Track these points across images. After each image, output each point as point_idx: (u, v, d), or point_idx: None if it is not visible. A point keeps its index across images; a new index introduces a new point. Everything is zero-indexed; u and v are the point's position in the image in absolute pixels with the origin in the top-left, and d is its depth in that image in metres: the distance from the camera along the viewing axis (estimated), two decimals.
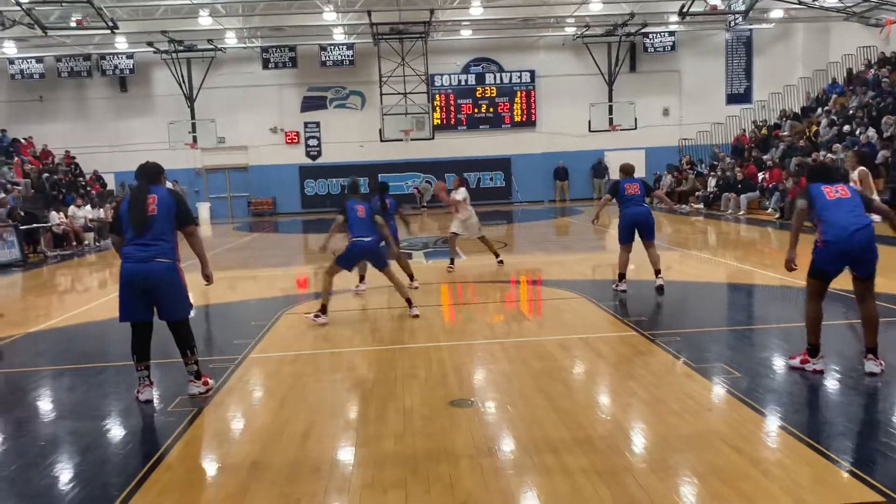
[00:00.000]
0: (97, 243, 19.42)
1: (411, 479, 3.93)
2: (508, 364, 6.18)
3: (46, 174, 23.85)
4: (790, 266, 5.61)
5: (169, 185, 22.73)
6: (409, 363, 6.29)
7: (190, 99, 27.40)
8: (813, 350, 5.54)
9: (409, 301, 8.25)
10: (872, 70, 23.04)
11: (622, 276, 9.18)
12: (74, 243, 18.59)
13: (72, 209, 19.50)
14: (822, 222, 5.41)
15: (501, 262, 11.91)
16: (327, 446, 4.51)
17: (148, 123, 27.55)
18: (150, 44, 25.51)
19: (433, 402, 5.17)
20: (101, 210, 21.07)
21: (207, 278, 5.76)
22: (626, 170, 9.51)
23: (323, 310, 7.98)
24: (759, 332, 7.25)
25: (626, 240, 9.16)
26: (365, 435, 4.65)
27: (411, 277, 10.16)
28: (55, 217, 18.65)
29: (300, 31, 25.75)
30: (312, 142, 28.87)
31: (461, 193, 11.71)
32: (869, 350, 5.44)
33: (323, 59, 27.40)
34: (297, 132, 28.80)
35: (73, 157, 27.06)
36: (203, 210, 27.15)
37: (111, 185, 27.28)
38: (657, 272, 8.97)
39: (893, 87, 20.70)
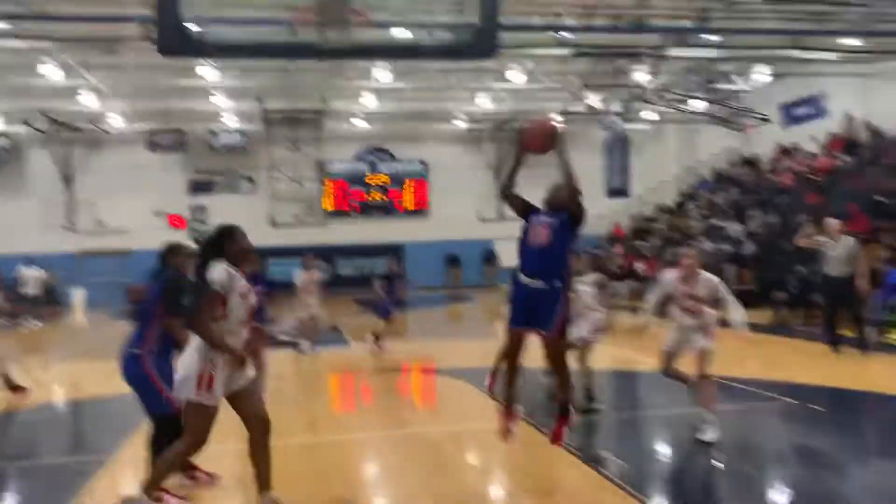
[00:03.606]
0: None
1: None
2: (396, 459, 5.99)
3: None
4: None
5: (34, 270, 20.89)
6: (286, 462, 5.95)
7: (68, 180, 26.24)
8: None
9: None
10: (736, 169, 25.05)
11: None
12: None
13: None
14: None
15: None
16: None
17: (20, 205, 25.98)
18: (26, 122, 24.43)
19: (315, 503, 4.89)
20: None
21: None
22: None
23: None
24: (642, 419, 7.39)
25: None
26: None
27: None
28: None
29: (190, 115, 25.43)
30: (198, 226, 28.09)
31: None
32: None
33: (213, 143, 27.04)
34: (183, 216, 27.99)
35: None
36: (78, 297, 25.62)
37: None
38: None
39: (755, 186, 22.49)
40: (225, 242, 4.49)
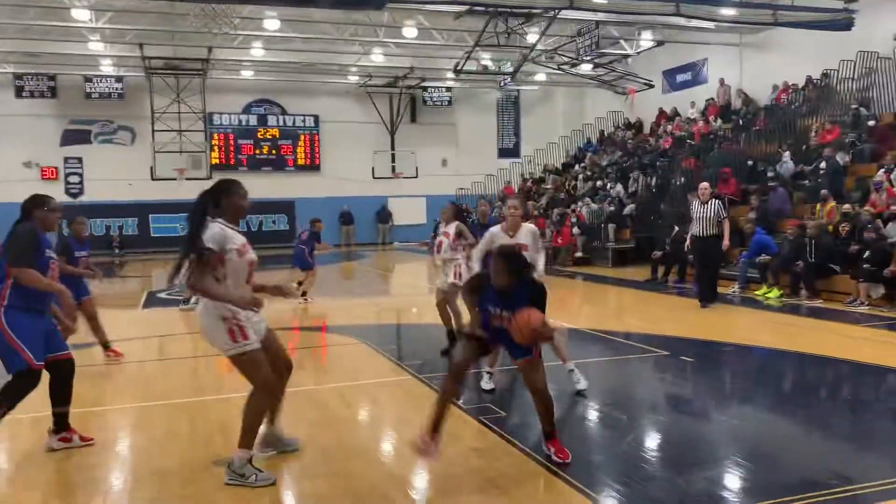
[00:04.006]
0: None
1: None
2: (282, 416, 5.94)
3: None
4: None
5: None
6: (169, 421, 5.82)
7: None
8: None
9: None
10: (620, 132, 25.94)
11: None
12: None
13: None
14: None
15: None
16: None
17: None
18: None
19: (194, 463, 4.80)
20: None
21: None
22: None
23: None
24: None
25: None
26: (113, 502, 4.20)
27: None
28: None
29: (62, 59, 23.70)
30: (74, 178, 26.45)
31: None
32: None
33: (88, 90, 25.40)
34: (56, 168, 26.26)
35: None
36: None
37: None
38: None
39: (636, 149, 23.38)
40: (222, 197, 4.43)
